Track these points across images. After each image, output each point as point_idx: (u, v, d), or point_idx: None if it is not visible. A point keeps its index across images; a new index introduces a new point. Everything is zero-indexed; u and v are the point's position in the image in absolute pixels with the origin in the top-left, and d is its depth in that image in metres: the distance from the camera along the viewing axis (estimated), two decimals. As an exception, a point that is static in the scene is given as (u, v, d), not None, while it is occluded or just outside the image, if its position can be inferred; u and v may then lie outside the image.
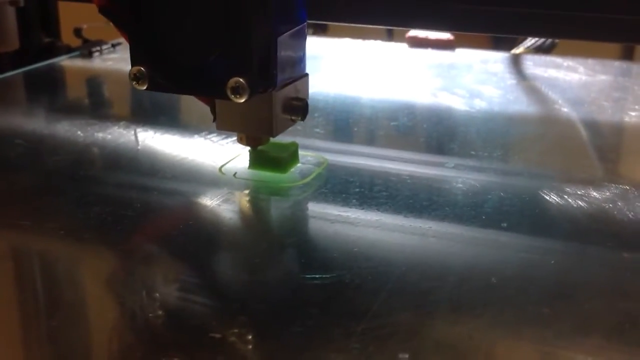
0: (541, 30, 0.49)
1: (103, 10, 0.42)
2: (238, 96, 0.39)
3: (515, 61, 0.76)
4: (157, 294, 0.35)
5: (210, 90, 0.41)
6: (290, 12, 0.41)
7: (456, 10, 0.45)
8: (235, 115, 0.44)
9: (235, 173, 0.46)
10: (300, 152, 0.48)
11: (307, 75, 0.44)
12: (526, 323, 0.33)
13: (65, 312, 0.34)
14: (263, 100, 0.41)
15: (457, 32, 0.75)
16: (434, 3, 0.45)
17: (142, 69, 0.41)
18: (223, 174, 0.47)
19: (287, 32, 0.41)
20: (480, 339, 0.32)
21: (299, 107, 0.43)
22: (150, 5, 0.40)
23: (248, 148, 0.46)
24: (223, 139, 0.52)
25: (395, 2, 0.46)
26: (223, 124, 0.45)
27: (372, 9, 0.47)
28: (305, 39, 0.43)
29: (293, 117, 0.44)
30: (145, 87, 0.41)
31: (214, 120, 0.45)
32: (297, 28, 0.42)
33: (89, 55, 0.75)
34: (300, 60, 0.43)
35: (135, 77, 0.41)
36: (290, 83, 0.43)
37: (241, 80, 0.38)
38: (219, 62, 0.39)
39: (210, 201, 0.44)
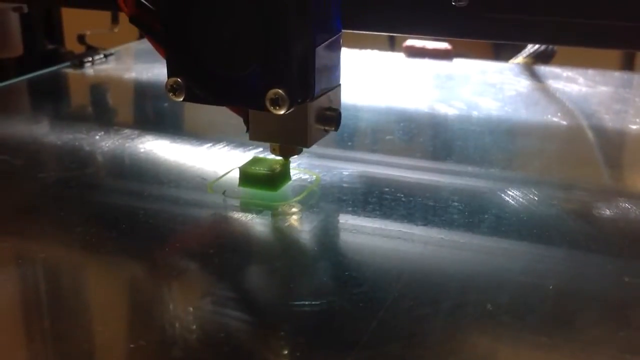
0: (541, 36, 0.48)
1: (133, 20, 0.41)
2: (277, 107, 0.38)
3: (531, 71, 0.74)
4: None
5: (249, 102, 0.40)
6: (328, 22, 0.41)
7: (457, 16, 0.44)
8: (269, 126, 0.43)
9: (225, 191, 0.45)
10: (292, 169, 0.46)
11: (339, 85, 0.44)
12: (523, 352, 0.32)
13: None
14: (297, 111, 0.40)
15: (457, 39, 0.73)
16: (435, 10, 0.44)
17: (179, 80, 0.40)
18: (212, 191, 0.45)
19: (325, 42, 0.40)
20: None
21: (332, 118, 0.43)
22: (186, 15, 0.39)
23: (239, 165, 0.45)
24: (220, 148, 0.51)
25: (396, 8, 0.45)
26: (256, 135, 0.44)
27: (372, 15, 0.46)
28: (340, 49, 0.43)
29: (326, 128, 0.43)
30: (182, 99, 0.41)
31: (247, 131, 0.44)
32: (333, 38, 0.41)
33: (80, 65, 0.74)
34: (335, 70, 0.43)
35: (172, 89, 0.40)
36: (324, 93, 0.42)
37: (280, 91, 0.38)
38: (257, 73, 0.39)
39: (194, 222, 0.43)
